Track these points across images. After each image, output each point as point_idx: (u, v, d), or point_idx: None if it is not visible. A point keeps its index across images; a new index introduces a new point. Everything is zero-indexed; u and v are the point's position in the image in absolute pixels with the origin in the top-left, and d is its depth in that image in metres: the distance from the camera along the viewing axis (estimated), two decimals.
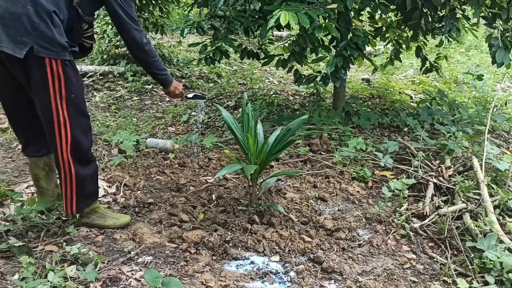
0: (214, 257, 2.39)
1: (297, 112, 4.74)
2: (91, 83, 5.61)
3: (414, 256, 2.50)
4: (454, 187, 2.99)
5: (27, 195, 2.86)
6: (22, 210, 2.51)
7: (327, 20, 3.40)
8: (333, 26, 3.38)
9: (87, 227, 2.58)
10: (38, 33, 2.06)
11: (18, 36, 2.04)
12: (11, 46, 2.04)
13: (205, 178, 3.27)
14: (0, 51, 2.07)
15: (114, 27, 6.28)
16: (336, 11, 3.56)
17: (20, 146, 3.63)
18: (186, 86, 5.81)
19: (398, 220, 2.76)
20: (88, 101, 5.10)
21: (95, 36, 2.43)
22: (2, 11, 2.03)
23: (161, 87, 2.82)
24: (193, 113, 3.54)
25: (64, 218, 2.61)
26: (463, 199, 2.84)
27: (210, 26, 3.85)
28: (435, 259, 2.47)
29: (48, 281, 2.05)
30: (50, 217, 2.57)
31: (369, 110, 4.56)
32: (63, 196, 2.43)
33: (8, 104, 2.45)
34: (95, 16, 2.43)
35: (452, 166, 3.28)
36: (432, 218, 2.74)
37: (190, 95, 3.04)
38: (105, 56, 6.25)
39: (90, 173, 2.44)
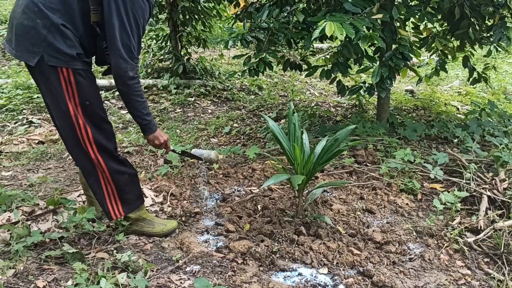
0: (261, 268, 2.38)
1: (340, 124, 4.69)
2: None
3: (469, 272, 2.39)
4: (509, 200, 2.86)
5: (79, 203, 2.94)
6: (74, 218, 2.57)
7: (371, 30, 3.37)
8: (378, 36, 3.34)
9: (136, 235, 2.62)
10: (47, 44, 2.17)
11: (30, 46, 2.18)
12: (24, 54, 2.20)
13: (250, 188, 3.27)
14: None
15: (158, 42, 6.48)
16: (380, 21, 3.52)
17: (71, 156, 3.77)
18: (227, 99, 5.87)
19: (451, 234, 2.65)
20: None
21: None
22: (17, 24, 2.20)
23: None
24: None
25: (114, 226, 2.66)
26: None
27: (253, 37, 3.89)
28: (491, 275, 2.35)
29: (101, 287, 2.09)
30: (101, 225, 2.62)
31: (414, 121, 4.45)
32: (106, 201, 2.44)
33: (50, 114, 2.50)
34: None
35: (507, 179, 3.14)
36: (487, 233, 2.63)
37: (178, 150, 2.60)
38: (149, 70, 6.41)
39: (125, 171, 2.45)
